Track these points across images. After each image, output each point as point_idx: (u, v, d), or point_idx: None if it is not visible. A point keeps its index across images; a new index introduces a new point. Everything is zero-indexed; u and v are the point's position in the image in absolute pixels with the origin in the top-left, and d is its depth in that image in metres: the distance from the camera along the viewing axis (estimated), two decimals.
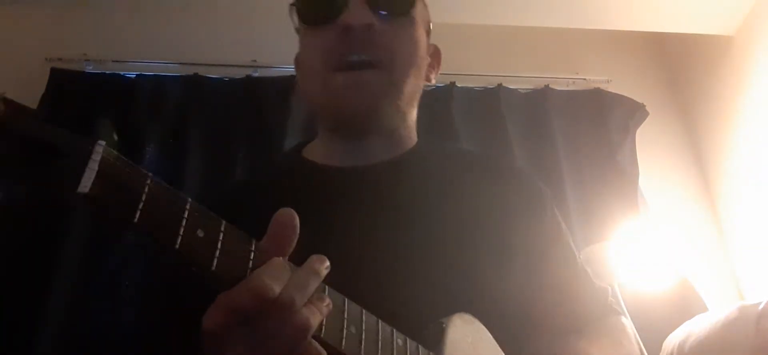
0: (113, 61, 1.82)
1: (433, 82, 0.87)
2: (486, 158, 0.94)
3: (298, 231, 0.45)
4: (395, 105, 0.75)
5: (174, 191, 0.40)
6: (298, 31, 0.81)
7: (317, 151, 0.81)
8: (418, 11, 0.78)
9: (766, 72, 1.92)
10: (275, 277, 0.42)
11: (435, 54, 0.87)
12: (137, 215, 0.37)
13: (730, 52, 2.08)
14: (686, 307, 1.62)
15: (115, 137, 1.61)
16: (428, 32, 0.84)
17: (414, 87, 0.78)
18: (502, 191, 0.77)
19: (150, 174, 0.39)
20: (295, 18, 0.79)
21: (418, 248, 0.67)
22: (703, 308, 1.66)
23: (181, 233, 0.39)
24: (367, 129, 0.75)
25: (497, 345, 0.63)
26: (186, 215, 0.40)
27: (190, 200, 0.41)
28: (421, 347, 0.55)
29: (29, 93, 1.65)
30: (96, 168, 0.36)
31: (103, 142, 0.37)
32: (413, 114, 0.82)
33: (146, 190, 0.38)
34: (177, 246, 0.39)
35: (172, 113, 1.76)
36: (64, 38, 1.86)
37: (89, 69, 1.78)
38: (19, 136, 0.34)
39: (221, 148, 1.72)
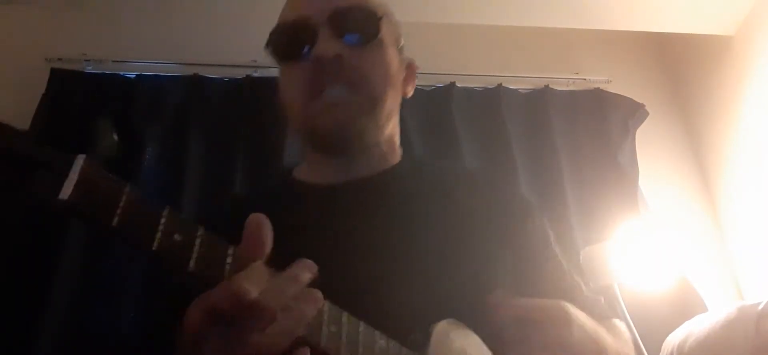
0: (113, 61, 1.81)
1: (409, 95, 0.89)
2: (470, 172, 0.98)
3: (270, 235, 0.47)
4: (374, 121, 0.78)
5: (152, 200, 0.44)
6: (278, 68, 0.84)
7: (305, 172, 0.85)
8: (385, 32, 0.80)
9: (766, 72, 1.92)
10: (253, 280, 0.44)
11: (409, 67, 0.89)
12: (115, 220, 0.41)
13: (730, 52, 2.08)
14: (686, 307, 1.62)
15: (115, 137, 1.60)
16: (400, 49, 0.86)
17: (392, 104, 0.81)
18: (487, 202, 0.80)
19: (129, 184, 0.42)
20: (271, 57, 0.82)
21: (403, 259, 0.69)
22: (703, 308, 1.66)
23: (157, 236, 0.42)
24: (347, 147, 0.78)
25: (487, 349, 0.64)
26: (163, 221, 0.43)
27: (168, 207, 0.44)
28: (403, 348, 0.56)
29: (29, 93, 1.65)
30: (76, 177, 0.39)
31: (83, 156, 0.41)
32: (394, 130, 0.85)
33: (124, 198, 0.41)
34: (154, 248, 0.42)
35: (172, 113, 1.75)
36: (64, 38, 1.85)
37: (89, 69, 1.78)
38: (6, 151, 0.38)
39: (221, 148, 1.72)
